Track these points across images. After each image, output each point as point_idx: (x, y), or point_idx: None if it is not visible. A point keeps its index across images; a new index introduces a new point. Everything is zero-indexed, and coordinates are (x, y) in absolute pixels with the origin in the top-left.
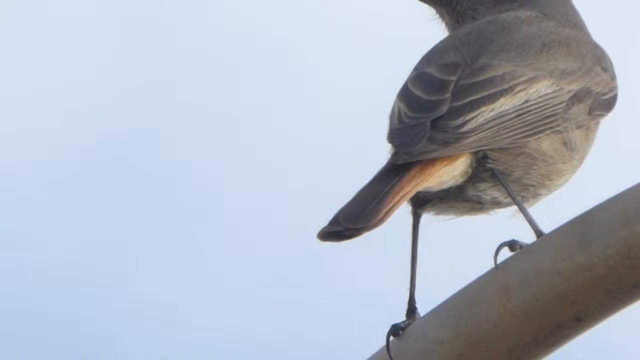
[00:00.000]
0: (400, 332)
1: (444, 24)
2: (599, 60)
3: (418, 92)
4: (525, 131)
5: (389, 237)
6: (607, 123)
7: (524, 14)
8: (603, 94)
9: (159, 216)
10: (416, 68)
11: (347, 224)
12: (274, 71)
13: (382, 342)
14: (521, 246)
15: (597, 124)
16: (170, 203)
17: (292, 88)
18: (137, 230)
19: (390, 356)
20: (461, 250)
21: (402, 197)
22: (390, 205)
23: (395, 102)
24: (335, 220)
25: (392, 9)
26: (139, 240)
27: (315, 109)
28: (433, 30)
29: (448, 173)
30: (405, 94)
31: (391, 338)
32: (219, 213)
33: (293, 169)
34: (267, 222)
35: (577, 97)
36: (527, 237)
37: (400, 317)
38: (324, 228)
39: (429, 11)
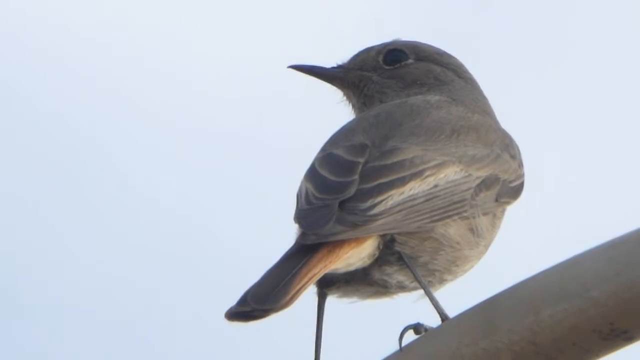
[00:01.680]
0: None
1: (350, 106)
2: (507, 147)
3: (325, 173)
4: (433, 216)
5: (294, 318)
6: (513, 210)
7: (433, 98)
8: (510, 182)
9: None
10: (323, 149)
11: (256, 304)
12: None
13: None
14: (426, 329)
15: (504, 211)
16: None
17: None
18: None
19: None
20: (366, 332)
21: (311, 278)
22: (298, 286)
23: (302, 183)
24: (243, 301)
25: (297, 90)
26: None
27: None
28: (341, 112)
29: (356, 255)
30: (312, 174)
31: None
32: None
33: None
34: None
35: (485, 184)
36: (433, 320)
37: None
38: (231, 308)
39: (336, 93)
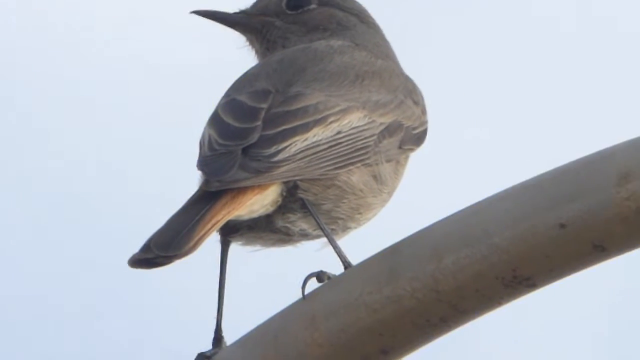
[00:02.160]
0: None
1: (254, 52)
2: (410, 93)
3: (228, 120)
4: (336, 163)
5: (197, 265)
6: (416, 157)
7: (336, 43)
8: (414, 128)
9: None
10: (227, 94)
11: (159, 251)
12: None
13: None
14: (329, 277)
15: (407, 158)
16: None
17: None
18: None
19: None
20: (269, 280)
21: (214, 225)
22: (202, 233)
23: (205, 129)
24: (146, 247)
25: (201, 34)
26: None
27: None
28: (244, 57)
29: (259, 202)
30: (215, 121)
31: None
32: None
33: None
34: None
35: (389, 131)
36: (336, 268)
37: (208, 345)
38: (134, 255)
39: (239, 38)
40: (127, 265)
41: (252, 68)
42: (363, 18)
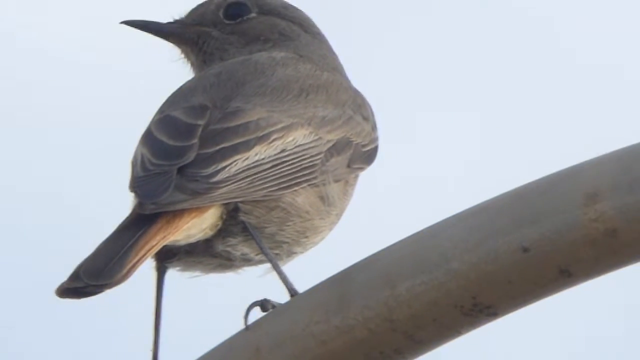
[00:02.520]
0: None
1: (189, 64)
2: (359, 108)
3: (162, 137)
4: (280, 183)
5: (130, 294)
6: (366, 176)
7: (278, 54)
8: (363, 145)
9: None
10: (160, 110)
11: (88, 280)
12: None
13: None
14: (274, 306)
15: (356, 177)
16: None
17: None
18: None
19: None
20: (209, 309)
21: (148, 251)
22: (134, 260)
23: (137, 148)
24: (75, 276)
25: (133, 45)
26: None
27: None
28: (178, 70)
29: (197, 225)
30: (148, 139)
31: None
32: None
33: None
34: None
35: (336, 148)
36: (281, 296)
37: None
38: (63, 284)
39: (174, 50)
40: (54, 294)
41: (188, 82)
42: (307, 28)
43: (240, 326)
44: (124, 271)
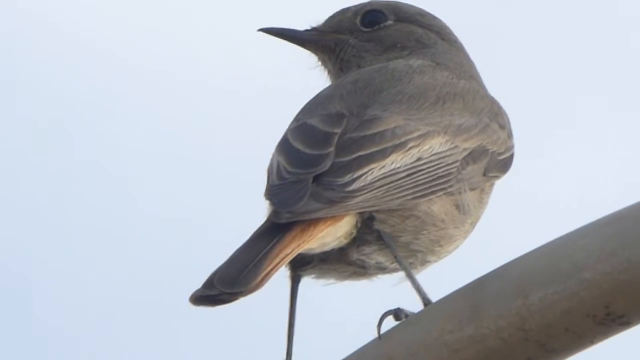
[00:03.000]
0: None
1: (326, 72)
2: (495, 116)
3: (299, 146)
4: (416, 192)
5: (265, 302)
6: (502, 184)
7: (415, 62)
8: (499, 154)
9: None
10: (297, 118)
11: (223, 287)
12: None
13: None
14: (407, 315)
15: (492, 185)
16: None
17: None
18: None
19: None
20: (343, 318)
21: (282, 259)
22: (269, 268)
23: (274, 156)
24: (209, 284)
25: (272, 55)
26: None
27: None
28: (316, 78)
29: (331, 234)
30: (284, 147)
31: None
32: None
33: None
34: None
35: (472, 157)
36: (414, 305)
37: None
38: (197, 291)
39: (311, 58)
40: (188, 302)
41: (325, 90)
42: (444, 35)
43: (374, 335)
44: (258, 279)
